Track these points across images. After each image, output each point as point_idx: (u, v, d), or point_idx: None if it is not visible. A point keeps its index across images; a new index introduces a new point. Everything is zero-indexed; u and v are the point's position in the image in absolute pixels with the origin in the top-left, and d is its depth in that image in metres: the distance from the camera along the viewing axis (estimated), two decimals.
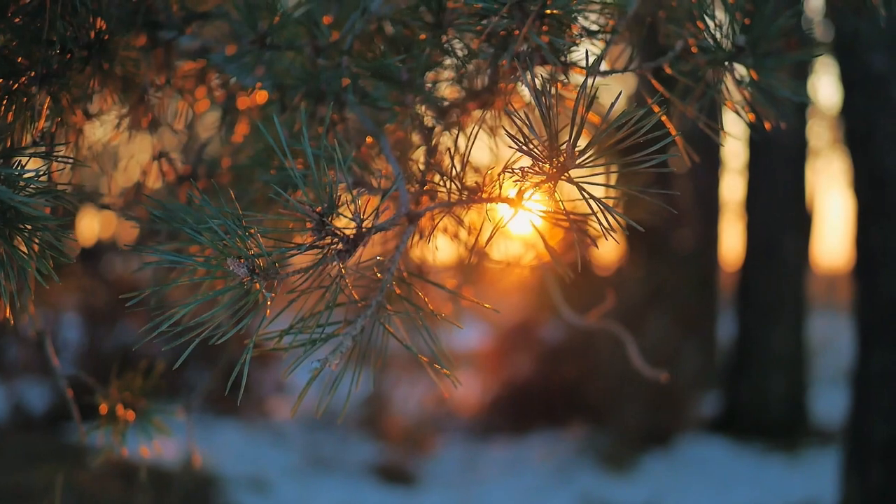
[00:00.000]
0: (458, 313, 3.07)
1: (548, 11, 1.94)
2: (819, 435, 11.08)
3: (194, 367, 11.00)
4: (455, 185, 2.00)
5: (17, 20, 1.94)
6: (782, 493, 9.22)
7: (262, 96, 2.66)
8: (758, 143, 11.37)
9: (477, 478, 9.85)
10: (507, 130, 1.74)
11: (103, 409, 2.66)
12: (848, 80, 7.28)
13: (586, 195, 1.73)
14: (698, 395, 11.48)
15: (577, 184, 1.73)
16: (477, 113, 2.33)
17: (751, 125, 2.19)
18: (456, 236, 2.57)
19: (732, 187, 15.15)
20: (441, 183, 2.08)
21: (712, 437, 11.07)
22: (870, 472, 6.99)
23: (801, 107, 10.95)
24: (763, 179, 11.47)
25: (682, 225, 10.79)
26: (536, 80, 1.89)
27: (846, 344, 12.51)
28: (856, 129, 7.21)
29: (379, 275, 1.93)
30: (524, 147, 1.72)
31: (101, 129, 2.49)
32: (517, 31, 1.99)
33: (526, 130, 1.71)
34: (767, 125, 2.15)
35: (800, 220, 11.52)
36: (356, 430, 10.99)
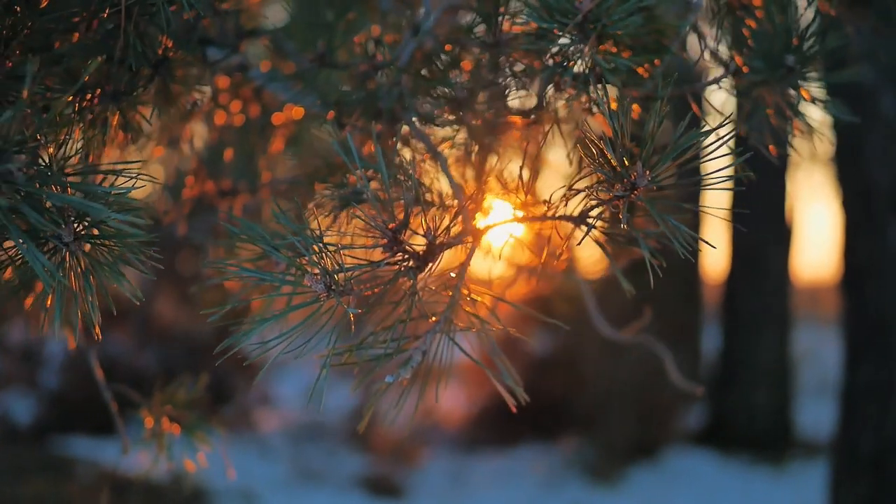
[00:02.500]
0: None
1: (609, 32, 1.97)
2: (805, 447, 11.14)
3: (184, 379, 10.95)
4: (518, 202, 2.04)
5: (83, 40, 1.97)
6: None
7: (298, 112, 2.69)
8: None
9: (465, 490, 9.86)
10: (581, 148, 1.77)
11: (148, 422, 2.66)
12: (837, 94, 7.33)
13: (658, 215, 1.76)
14: (684, 407, 11.52)
15: (648, 202, 1.77)
16: (521, 132, 2.36)
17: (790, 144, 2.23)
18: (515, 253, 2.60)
19: (717, 198, 15.18)
20: (505, 200, 2.11)
21: (698, 450, 11.11)
22: (858, 484, 7.02)
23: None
24: (747, 191, 11.51)
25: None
26: (607, 100, 1.91)
27: (829, 356, 12.60)
28: (845, 142, 7.26)
29: (444, 291, 1.95)
30: (599, 165, 1.75)
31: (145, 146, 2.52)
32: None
33: (599, 148, 1.74)
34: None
35: (784, 233, 11.58)
36: (343, 442, 10.98)
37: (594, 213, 1.87)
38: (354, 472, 10.11)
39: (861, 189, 7.11)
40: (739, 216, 11.50)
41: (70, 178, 1.65)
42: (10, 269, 1.78)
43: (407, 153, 2.23)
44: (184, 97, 2.35)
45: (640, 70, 2.04)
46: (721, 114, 2.12)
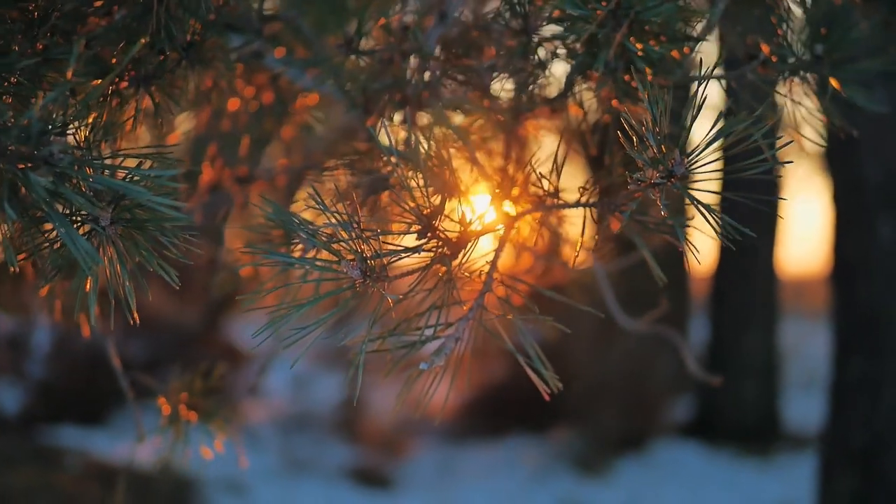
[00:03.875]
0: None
1: (642, 19, 1.96)
2: (791, 440, 11.17)
3: (167, 370, 10.94)
4: (548, 189, 2.03)
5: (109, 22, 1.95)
6: (757, 498, 9.30)
7: (313, 99, 2.68)
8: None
9: (454, 481, 9.86)
10: (620, 134, 1.76)
11: (166, 410, 2.65)
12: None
13: (696, 202, 1.75)
14: (672, 399, 11.54)
15: (685, 190, 1.76)
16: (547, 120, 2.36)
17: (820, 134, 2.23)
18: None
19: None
20: (535, 188, 2.10)
21: (686, 442, 11.14)
22: (847, 477, 7.05)
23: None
24: (736, 182, 11.51)
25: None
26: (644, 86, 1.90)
27: (815, 350, 12.64)
28: (836, 136, 7.27)
29: (476, 278, 1.94)
30: (637, 151, 1.74)
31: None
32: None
33: (638, 134, 1.73)
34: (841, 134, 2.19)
35: (772, 226, 11.60)
36: (331, 432, 10.97)
37: (628, 200, 1.86)
38: (343, 463, 10.10)
39: (852, 183, 7.13)
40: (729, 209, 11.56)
41: (106, 162, 1.62)
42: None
43: (433, 140, 2.21)
44: (209, 82, 2.33)
45: (673, 56, 2.03)
46: (754, 105, 2.11)
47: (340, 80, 2.30)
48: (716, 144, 1.74)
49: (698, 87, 1.77)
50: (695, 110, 1.74)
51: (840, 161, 7.26)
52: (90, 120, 1.74)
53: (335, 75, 2.25)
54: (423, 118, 2.23)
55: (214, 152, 2.66)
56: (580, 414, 10.72)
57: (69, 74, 1.49)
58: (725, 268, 11.73)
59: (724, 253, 11.69)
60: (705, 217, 1.77)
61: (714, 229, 1.78)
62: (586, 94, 2.30)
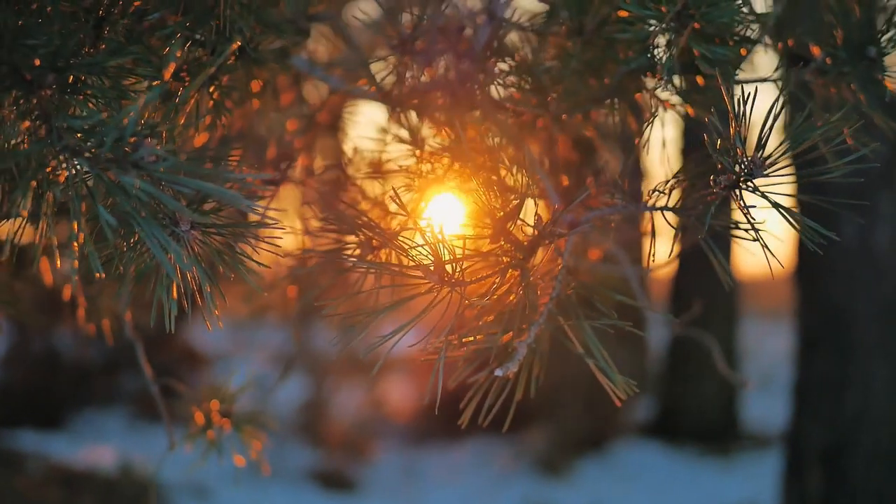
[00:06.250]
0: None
1: (707, 21, 1.95)
2: (751, 439, 11.26)
3: (128, 373, 10.83)
4: (617, 193, 2.01)
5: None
6: (720, 498, 9.34)
7: (341, 99, 2.64)
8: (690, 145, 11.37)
9: (418, 483, 9.83)
10: (703, 136, 1.74)
11: (198, 416, 2.60)
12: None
13: (777, 205, 1.74)
14: (632, 399, 11.55)
15: (763, 192, 1.75)
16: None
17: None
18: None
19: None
20: (605, 191, 2.08)
21: (647, 442, 11.18)
22: (809, 476, 7.11)
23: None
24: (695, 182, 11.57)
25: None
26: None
27: (772, 350, 12.76)
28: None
29: (545, 282, 1.92)
30: (715, 154, 1.73)
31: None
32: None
33: (723, 136, 1.72)
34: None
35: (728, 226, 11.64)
36: (293, 435, 10.88)
37: (705, 204, 1.84)
38: (306, 466, 10.03)
39: (815, 184, 7.18)
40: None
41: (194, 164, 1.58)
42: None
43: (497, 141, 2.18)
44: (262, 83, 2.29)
45: (741, 55, 2.02)
46: (814, 107, 2.10)
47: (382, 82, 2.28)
48: (797, 146, 1.73)
49: (783, 89, 1.76)
50: (774, 113, 1.73)
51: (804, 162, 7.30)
52: (180, 121, 1.71)
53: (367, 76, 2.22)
54: (475, 119, 2.20)
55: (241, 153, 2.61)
56: (540, 415, 10.72)
57: (167, 75, 1.45)
58: (685, 268, 11.78)
59: (683, 254, 11.73)
60: (788, 220, 1.76)
61: (796, 231, 1.77)
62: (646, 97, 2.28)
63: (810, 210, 2.00)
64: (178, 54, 1.53)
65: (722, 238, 1.94)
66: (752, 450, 10.89)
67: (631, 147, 2.44)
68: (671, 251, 2.01)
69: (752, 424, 11.71)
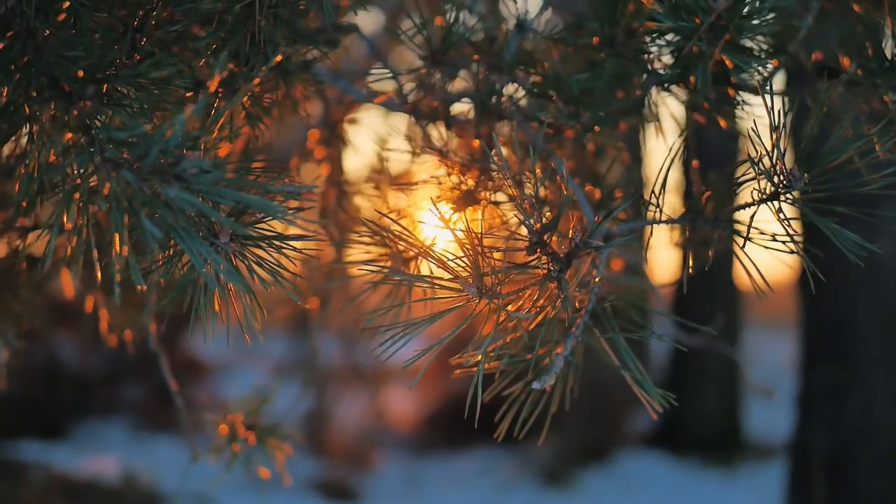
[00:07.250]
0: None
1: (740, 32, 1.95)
2: (755, 449, 11.23)
3: (130, 383, 10.80)
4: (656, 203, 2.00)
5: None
6: None
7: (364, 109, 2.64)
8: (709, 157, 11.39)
9: (420, 493, 9.80)
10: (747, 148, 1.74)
11: (223, 429, 2.59)
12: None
13: (817, 217, 1.74)
14: (635, 410, 11.54)
15: (803, 203, 1.75)
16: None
17: None
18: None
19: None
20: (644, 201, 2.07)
21: (650, 452, 11.13)
22: (814, 486, 7.10)
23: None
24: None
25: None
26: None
27: (775, 359, 12.73)
28: (804, 148, 7.34)
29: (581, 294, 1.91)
30: (757, 165, 1.72)
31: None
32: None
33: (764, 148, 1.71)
34: None
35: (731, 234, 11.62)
36: (296, 445, 10.84)
37: (745, 215, 1.84)
38: (309, 476, 10.00)
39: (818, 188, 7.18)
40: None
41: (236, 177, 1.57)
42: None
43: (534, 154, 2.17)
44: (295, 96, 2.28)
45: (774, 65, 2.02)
46: (842, 117, 2.10)
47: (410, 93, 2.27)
48: (835, 159, 1.73)
49: (822, 101, 1.75)
50: (815, 123, 1.73)
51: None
52: (224, 134, 1.70)
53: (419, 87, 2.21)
54: (506, 130, 2.20)
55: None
56: (543, 425, 10.68)
57: (212, 86, 1.44)
58: (688, 277, 11.75)
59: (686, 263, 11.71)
60: (828, 232, 1.75)
61: (838, 244, 1.76)
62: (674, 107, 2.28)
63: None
64: (230, 67, 1.52)
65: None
66: (756, 459, 10.86)
67: (662, 159, 2.43)
68: (702, 263, 2.00)
69: (755, 434, 11.68)
